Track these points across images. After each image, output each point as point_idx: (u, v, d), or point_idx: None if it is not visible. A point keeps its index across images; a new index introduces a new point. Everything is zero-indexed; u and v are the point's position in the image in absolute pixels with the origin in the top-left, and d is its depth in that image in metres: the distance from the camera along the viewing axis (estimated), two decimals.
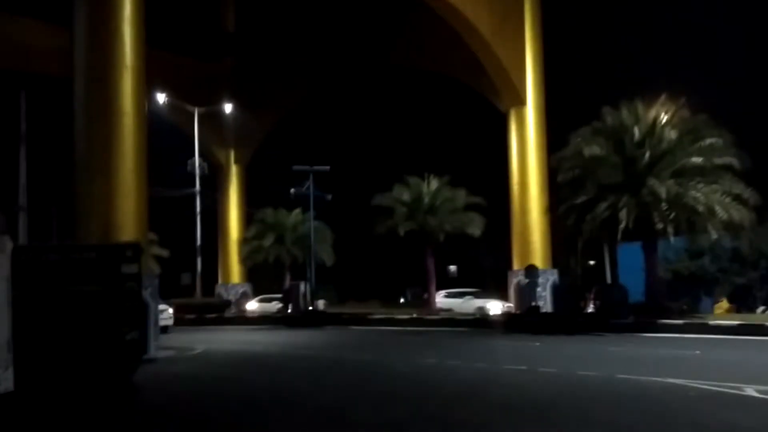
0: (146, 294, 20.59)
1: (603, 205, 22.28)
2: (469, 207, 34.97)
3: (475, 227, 34.65)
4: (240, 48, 47.88)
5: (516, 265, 37.98)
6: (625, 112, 23.70)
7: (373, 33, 42.09)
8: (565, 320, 23.08)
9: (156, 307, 20.94)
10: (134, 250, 13.92)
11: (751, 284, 36.67)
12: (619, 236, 22.25)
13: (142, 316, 15.32)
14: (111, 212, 20.94)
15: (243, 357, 18.53)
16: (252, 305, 40.67)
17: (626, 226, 21.76)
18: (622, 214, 21.74)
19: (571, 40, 44.07)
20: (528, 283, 27.57)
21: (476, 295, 36.77)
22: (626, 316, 21.81)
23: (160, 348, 20.13)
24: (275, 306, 43.03)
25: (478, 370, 13.63)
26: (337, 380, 13.13)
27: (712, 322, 20.78)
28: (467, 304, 35.06)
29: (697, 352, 15.65)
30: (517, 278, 35.95)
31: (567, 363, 13.89)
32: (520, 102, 38.82)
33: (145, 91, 22.29)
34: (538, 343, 19.04)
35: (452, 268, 45.26)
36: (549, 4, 39.86)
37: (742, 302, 34.12)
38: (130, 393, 12.46)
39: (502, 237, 39.03)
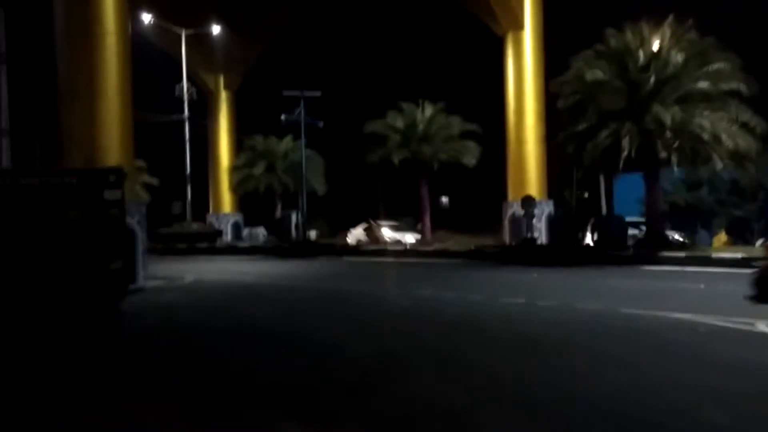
0: (133, 222, 20.05)
1: (604, 133, 21.52)
2: (464, 135, 34.11)
3: (471, 156, 33.87)
4: None
5: (511, 196, 37.49)
6: (629, 35, 22.64)
7: None
8: (562, 252, 22.69)
9: (144, 235, 20.41)
10: (117, 175, 13.22)
11: (749, 217, 36.39)
12: (621, 165, 21.57)
13: (127, 244, 14.73)
14: (95, 136, 20.08)
15: (234, 287, 18.11)
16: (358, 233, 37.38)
17: (628, 155, 21.07)
18: (625, 142, 21.02)
19: None
20: (524, 214, 27.05)
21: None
22: (625, 248, 21.40)
23: (149, 277, 19.72)
24: (260, 236, 42.66)
25: (475, 302, 13.22)
26: (333, 313, 12.71)
27: (714, 255, 20.40)
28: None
29: (702, 285, 15.26)
30: (511, 209, 35.51)
31: (565, 296, 13.48)
32: (518, 26, 37.42)
33: (128, 9, 21.09)
34: (535, 275, 18.66)
35: (444, 199, 44.79)
36: None
37: (739, 235, 33.91)
38: (114, 323, 12.00)
39: (497, 167, 38.29)
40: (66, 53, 20.06)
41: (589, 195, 46.21)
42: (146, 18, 37.66)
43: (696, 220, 37.81)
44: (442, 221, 38.66)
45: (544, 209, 35.28)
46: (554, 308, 12.01)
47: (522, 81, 37.59)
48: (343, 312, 12.75)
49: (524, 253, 23.40)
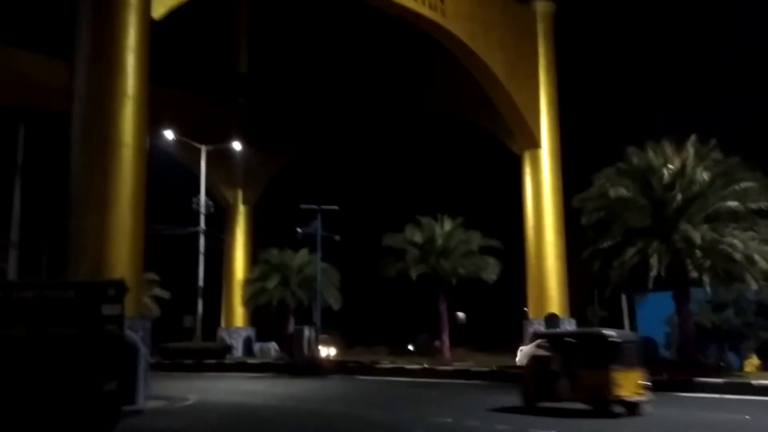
0: (136, 337, 19.16)
1: (631, 251, 20.69)
2: (483, 251, 33.34)
3: (491, 272, 32.91)
4: (252, 88, 47.17)
5: (531, 314, 36.33)
6: (651, 153, 22.28)
7: (385, 74, 41.29)
8: None
9: (147, 352, 19.45)
10: (117, 289, 12.49)
11: None
12: (650, 284, 20.57)
13: (126, 362, 13.77)
14: (104, 248, 19.64)
15: (239, 410, 16.89)
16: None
17: (657, 274, 20.12)
18: (653, 261, 20.13)
19: (586, 82, 43.03)
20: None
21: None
22: (659, 373, 20.00)
23: (150, 397, 18.60)
24: (271, 351, 41.27)
25: None
26: None
27: (755, 382, 18.94)
28: None
29: (747, 416, 13.89)
30: (532, 327, 34.24)
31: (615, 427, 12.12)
32: (535, 144, 37.66)
33: (147, 123, 21.13)
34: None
35: (460, 314, 43.53)
36: (563, 46, 38.97)
37: None
38: None
39: (515, 283, 37.33)
40: (80, 163, 19.96)
41: (610, 314, 44.79)
42: (168, 134, 38.12)
43: (723, 342, 36.14)
44: (459, 338, 37.28)
45: (566, 328, 34.00)
46: None
47: (540, 197, 37.39)
48: None
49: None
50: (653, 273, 20.09)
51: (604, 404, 13.87)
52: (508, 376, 24.05)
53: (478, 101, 37.20)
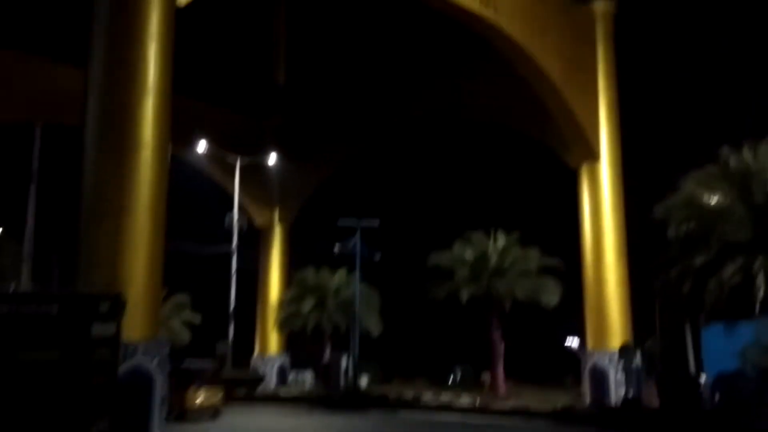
0: (152, 365, 16.67)
1: (730, 268, 17.53)
2: (542, 271, 30.12)
3: (552, 294, 29.65)
4: (289, 101, 45.09)
5: (590, 345, 32.91)
6: (748, 154, 19.14)
7: (432, 83, 38.74)
8: (681, 420, 18.07)
9: (164, 383, 16.90)
10: (112, 304, 9.96)
11: None
12: (757, 308, 17.37)
13: (116, 397, 11.15)
14: (118, 261, 17.21)
15: None
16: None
17: (765, 296, 16.94)
18: (759, 280, 16.96)
19: (648, 89, 39.84)
20: (623, 367, 22.55)
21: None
22: (763, 417, 16.77)
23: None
24: (307, 381, 38.66)
25: None
26: None
27: None
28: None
29: None
30: (592, 360, 30.96)
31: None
32: (593, 157, 34.39)
33: (170, 121, 18.75)
34: None
35: (573, 343, 40.22)
36: (624, 52, 35.97)
37: None
38: None
39: (572, 309, 34.00)
40: (93, 166, 17.65)
41: (672, 345, 41.08)
42: (201, 147, 36.11)
43: None
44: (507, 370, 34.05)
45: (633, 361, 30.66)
46: None
47: (599, 216, 34.04)
48: None
49: (629, 419, 18.83)
50: (760, 294, 16.90)
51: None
52: (574, 417, 20.99)
53: (532, 111, 34.30)
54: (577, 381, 34.72)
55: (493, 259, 29.68)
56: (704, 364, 32.35)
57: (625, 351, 23.70)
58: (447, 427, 20.17)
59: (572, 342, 37.94)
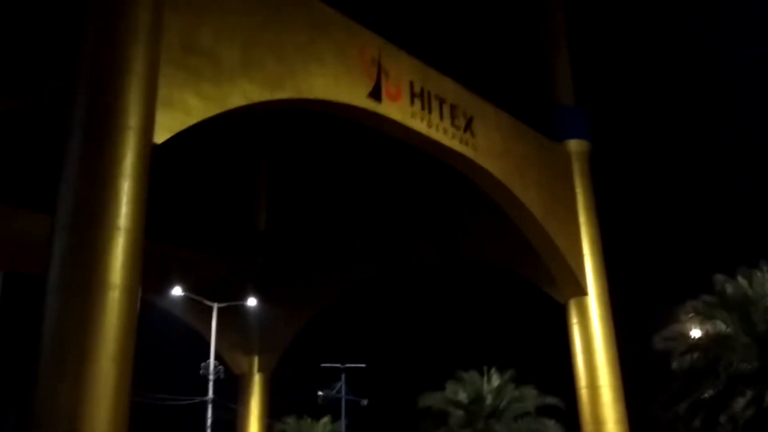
0: None
1: (740, 402, 16.34)
2: (540, 411, 28.41)
3: None
4: (271, 246, 44.70)
5: None
6: (743, 281, 18.54)
7: (416, 225, 38.72)
8: None
9: None
10: None
11: None
12: None
13: None
14: (78, 413, 15.71)
15: None
16: None
17: None
18: None
19: (628, 222, 40.08)
20: None
21: None
22: None
23: None
24: None
25: None
26: None
27: None
28: None
29: None
30: None
31: None
32: (581, 292, 33.84)
33: (141, 262, 17.87)
34: None
35: None
36: (602, 186, 36.43)
37: None
38: None
39: None
40: (57, 307, 16.52)
41: None
42: (176, 291, 35.13)
43: None
44: None
45: None
46: None
47: (592, 352, 32.83)
48: None
49: None
50: None
51: None
52: None
53: (516, 249, 34.03)
54: None
55: (489, 399, 28.01)
56: None
57: None
58: None
59: None
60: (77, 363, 16.09)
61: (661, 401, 21.03)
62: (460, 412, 27.36)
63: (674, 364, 18.38)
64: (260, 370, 42.38)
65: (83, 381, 15.95)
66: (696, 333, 18.10)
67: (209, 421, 34.78)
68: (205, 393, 35.22)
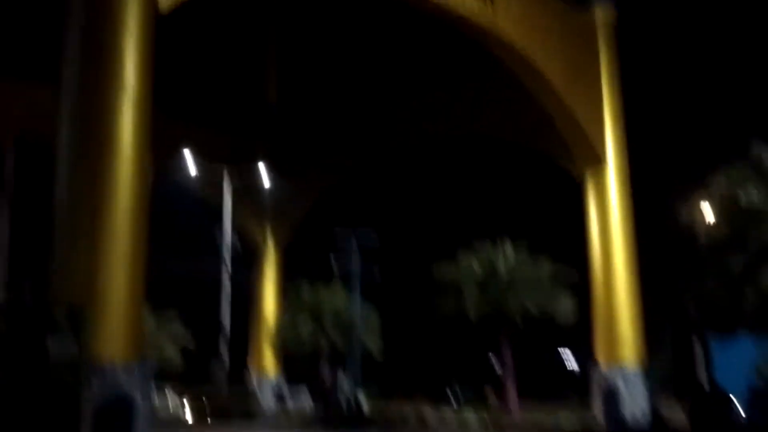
0: (134, 388, 15.14)
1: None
2: (554, 282, 28.46)
3: (566, 309, 27.98)
4: (282, 120, 43.90)
5: (600, 359, 31.25)
6: None
7: (432, 97, 37.60)
8: None
9: (148, 407, 15.38)
10: (71, 314, 8.52)
11: None
12: None
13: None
14: (95, 276, 15.68)
15: None
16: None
17: None
18: None
19: (652, 93, 38.70)
20: (649, 381, 20.90)
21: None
22: None
23: None
24: (304, 400, 37.20)
25: None
26: None
27: None
28: None
29: None
30: (602, 376, 29.52)
31: None
32: (598, 161, 33.02)
33: (150, 125, 17.41)
34: None
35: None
36: (627, 56, 34.88)
37: None
38: None
39: (583, 324, 32.46)
40: (67, 178, 16.31)
41: (682, 360, 39.59)
42: (189, 160, 34.83)
43: None
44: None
45: (644, 377, 29.14)
46: None
47: (607, 224, 32.48)
48: None
49: None
50: None
51: None
52: None
53: (534, 122, 33.11)
54: (579, 396, 33.34)
55: (503, 271, 28.03)
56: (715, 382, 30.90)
57: (651, 366, 22.07)
58: None
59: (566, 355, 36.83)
60: (92, 226, 16.00)
61: (685, 275, 20.82)
62: (473, 286, 27.49)
63: (701, 236, 17.96)
64: (275, 242, 42.96)
65: (98, 249, 15.90)
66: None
67: (227, 289, 35.46)
68: (221, 264, 35.71)
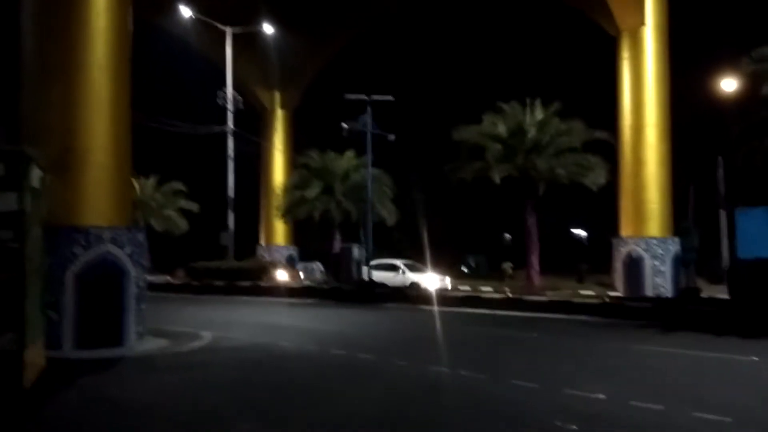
0: (123, 255, 13.67)
1: None
2: (586, 147, 26.38)
3: (598, 174, 26.11)
4: None
5: (625, 231, 29.83)
6: None
7: None
8: (749, 313, 15.21)
9: (141, 277, 14.03)
10: (11, 162, 6.69)
11: None
12: None
13: (23, 301, 7.94)
14: (71, 129, 13.82)
15: (259, 360, 11.36)
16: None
17: None
18: None
19: None
20: (683, 249, 19.53)
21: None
22: None
23: (150, 334, 13.55)
24: (316, 273, 36.44)
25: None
26: None
27: None
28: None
29: None
30: (626, 248, 28.16)
31: None
32: (637, 21, 30.02)
33: None
34: (755, 358, 11.29)
35: (507, 235, 37.37)
36: None
37: None
38: None
39: (609, 194, 30.61)
40: (37, 19, 14.02)
41: (708, 231, 38.24)
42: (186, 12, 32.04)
43: None
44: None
45: (670, 249, 27.73)
46: None
47: (641, 89, 29.97)
48: None
49: (688, 311, 16.01)
50: None
51: None
52: (624, 311, 18.13)
53: None
54: (592, 269, 32.32)
55: (531, 132, 25.79)
56: (739, 251, 29.50)
57: (684, 232, 20.52)
58: (474, 321, 17.36)
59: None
60: (64, 75, 13.89)
61: (734, 139, 18.70)
62: (498, 146, 25.22)
63: (765, 89, 15.73)
64: (283, 106, 40.72)
65: (73, 91, 13.88)
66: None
67: (231, 153, 33.68)
68: (225, 124, 33.74)
